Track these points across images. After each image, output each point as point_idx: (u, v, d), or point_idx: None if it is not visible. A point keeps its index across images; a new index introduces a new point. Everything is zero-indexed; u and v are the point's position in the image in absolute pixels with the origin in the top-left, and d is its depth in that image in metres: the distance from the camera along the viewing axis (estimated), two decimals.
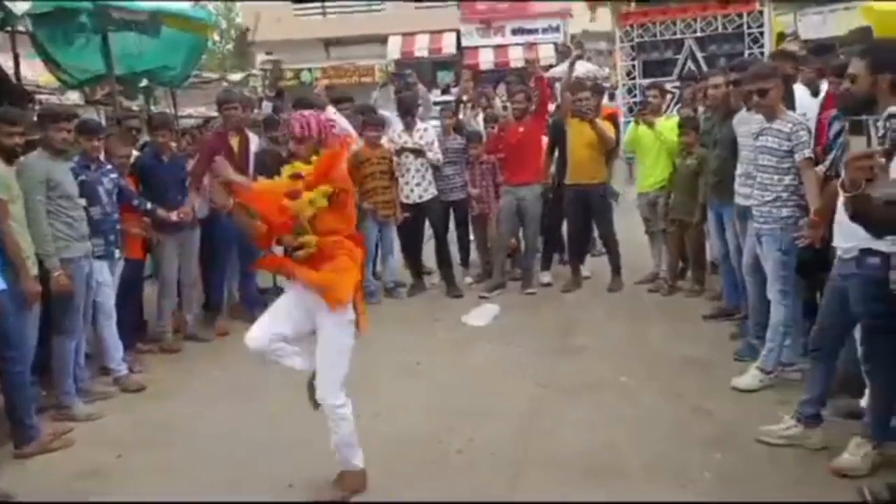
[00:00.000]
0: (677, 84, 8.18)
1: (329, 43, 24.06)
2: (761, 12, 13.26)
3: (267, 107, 7.83)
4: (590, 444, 3.97)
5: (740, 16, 12.74)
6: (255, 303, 6.79)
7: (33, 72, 10.04)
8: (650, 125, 6.64)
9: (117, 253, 5.23)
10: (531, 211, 6.95)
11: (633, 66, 13.17)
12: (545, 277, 7.28)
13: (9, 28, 7.65)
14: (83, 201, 4.86)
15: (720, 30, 12.75)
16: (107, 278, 5.15)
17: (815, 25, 18.27)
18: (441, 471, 3.79)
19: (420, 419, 4.43)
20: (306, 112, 3.62)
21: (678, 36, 12.84)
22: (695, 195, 6.22)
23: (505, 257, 7.19)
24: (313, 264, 3.40)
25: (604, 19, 40.62)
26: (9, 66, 8.52)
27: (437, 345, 5.78)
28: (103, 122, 9.26)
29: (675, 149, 6.49)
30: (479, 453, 3.94)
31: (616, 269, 7.04)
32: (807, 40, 12.91)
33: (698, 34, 12.46)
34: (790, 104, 4.54)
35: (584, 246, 7.34)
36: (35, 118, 4.98)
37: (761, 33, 12.93)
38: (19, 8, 5.93)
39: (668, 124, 6.64)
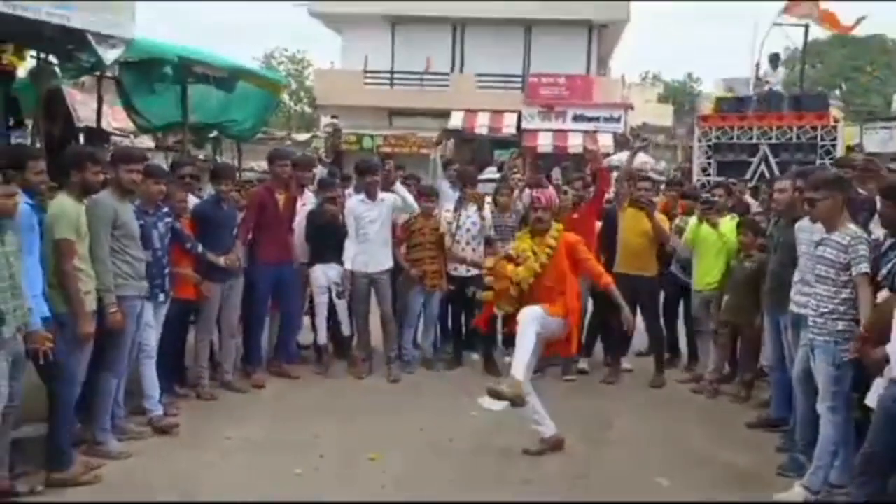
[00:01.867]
0: (751, 185, 8.20)
1: (393, 112, 24.72)
2: (835, 126, 13.69)
3: (322, 171, 8.02)
4: None
5: (815, 128, 13.25)
6: (293, 358, 6.84)
7: (113, 115, 10.52)
8: (714, 225, 6.58)
9: (161, 296, 5.32)
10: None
11: (709, 163, 13.63)
12: (583, 364, 7.17)
13: (97, 73, 8.08)
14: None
15: (794, 139, 13.27)
16: (150, 319, 5.24)
17: (881, 140, 18.32)
18: None
19: (447, 498, 4.33)
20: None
21: (754, 141, 13.41)
22: (750, 297, 6.10)
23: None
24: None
25: (664, 114, 41.22)
26: (92, 108, 8.97)
27: (470, 424, 5.68)
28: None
29: (733, 249, 6.42)
30: None
31: (660, 365, 6.90)
32: (871, 154, 13.02)
33: (773, 141, 13.26)
34: (862, 216, 4.44)
35: (627, 338, 7.21)
36: (109, 158, 5.19)
37: (833, 146, 13.24)
38: (110, 56, 6.26)
39: (729, 224, 6.59)
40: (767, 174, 9.21)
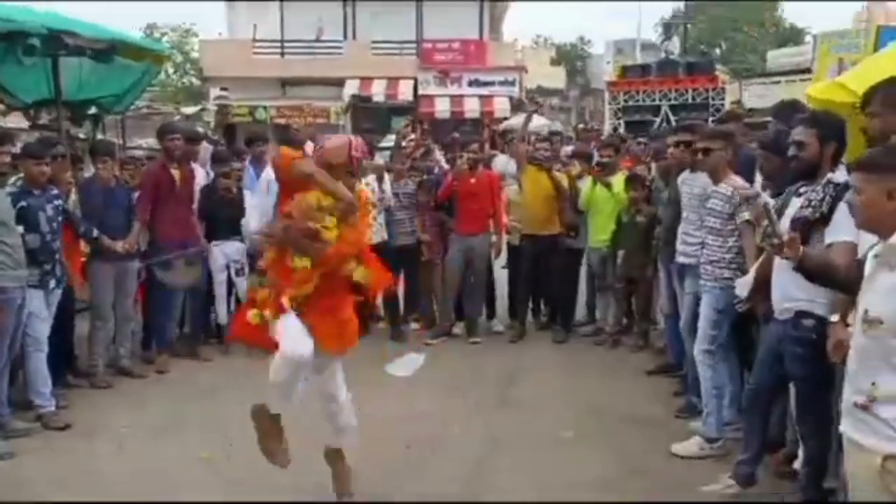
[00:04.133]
0: (644, 141, 8.62)
1: (286, 82, 24.08)
2: (723, 88, 16.21)
3: (207, 149, 7.72)
4: (531, 500, 3.90)
5: (706, 89, 15.59)
6: (199, 339, 6.62)
7: None
8: (607, 185, 6.72)
9: (53, 283, 5.02)
10: (479, 260, 6.97)
11: (619, 124, 15.63)
12: (497, 326, 7.30)
13: None
14: (20, 228, 4.68)
15: (690, 100, 15.60)
16: (40, 309, 4.92)
17: (759, 96, 19.83)
18: None
19: (361, 467, 4.31)
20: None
21: (657, 102, 15.47)
22: (642, 251, 6.31)
23: (451, 305, 7.14)
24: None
25: (557, 77, 41.94)
26: None
27: (379, 392, 5.66)
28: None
29: (624, 206, 6.60)
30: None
31: (564, 321, 7.08)
32: (750, 109, 14.14)
33: (672, 102, 15.23)
34: (744, 169, 4.63)
35: (530, 297, 7.36)
36: None
37: (722, 104, 15.51)
38: None
39: (618, 180, 6.77)
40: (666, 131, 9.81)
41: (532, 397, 5.57)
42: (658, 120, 14.94)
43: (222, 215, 6.52)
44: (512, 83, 24.08)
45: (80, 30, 7.33)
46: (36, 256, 4.80)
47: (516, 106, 22.19)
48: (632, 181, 6.50)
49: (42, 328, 4.95)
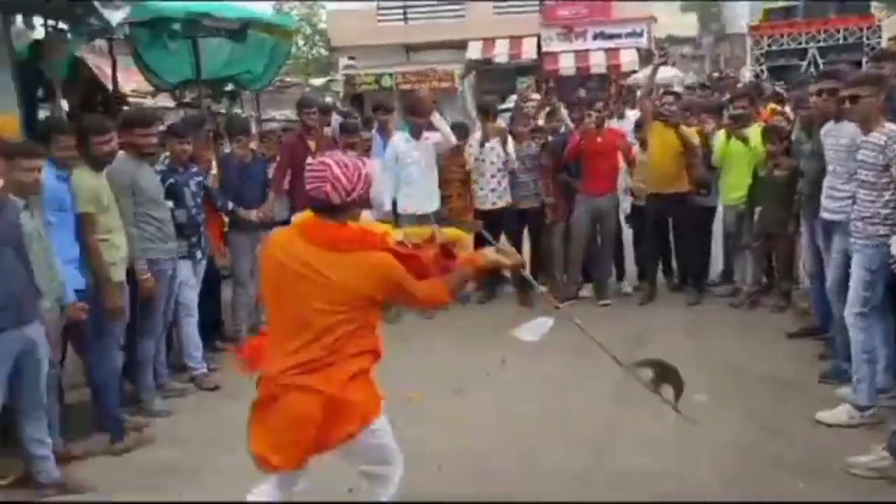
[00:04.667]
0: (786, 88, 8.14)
1: (410, 48, 24.29)
2: (879, 26, 14.64)
3: (336, 119, 7.93)
4: (662, 464, 3.84)
5: (860, 28, 14.29)
6: None
7: (128, 77, 10.47)
8: (744, 140, 6.38)
9: (199, 254, 5.38)
10: (607, 221, 6.82)
11: (761, 70, 14.83)
12: (626, 288, 7.18)
13: (108, 36, 8.01)
14: (170, 204, 5.02)
15: (841, 41, 14.43)
16: (189, 278, 5.30)
17: None
18: (503, 484, 3.73)
19: (489, 426, 4.39)
20: (345, 163, 2.63)
21: (803, 46, 14.47)
22: (782, 207, 5.96)
23: (579, 267, 7.05)
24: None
25: (688, 25, 39.86)
26: (107, 73, 8.93)
27: (508, 355, 5.71)
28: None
29: (761, 159, 6.24)
30: (546, 468, 3.87)
31: (696, 282, 6.84)
32: None
33: (821, 44, 14.61)
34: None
35: (662, 257, 7.14)
36: (121, 123, 5.17)
37: (879, 44, 14.00)
38: (115, 17, 6.18)
39: (755, 133, 6.40)
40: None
41: (665, 358, 5.42)
42: (805, 64, 14.08)
43: None
44: (640, 34, 23.17)
45: (215, 12, 7.71)
46: (183, 230, 5.15)
47: (645, 58, 21.35)
48: (769, 133, 6.13)
49: (191, 296, 5.33)
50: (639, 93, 8.30)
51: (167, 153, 5.38)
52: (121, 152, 4.78)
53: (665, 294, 7.01)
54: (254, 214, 5.97)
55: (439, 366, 5.49)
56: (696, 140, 6.61)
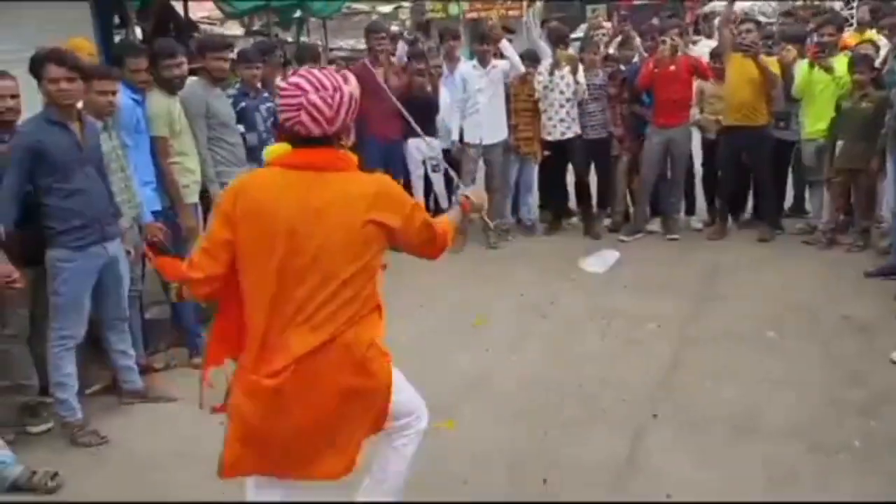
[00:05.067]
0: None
1: None
2: None
3: (402, 47, 7.82)
4: (731, 401, 3.80)
5: None
6: None
7: (199, 4, 10.56)
8: (828, 69, 6.05)
9: None
10: (680, 153, 6.63)
11: None
12: (695, 223, 7.03)
13: None
14: (241, 128, 5.09)
15: None
16: None
17: None
18: (568, 417, 3.76)
19: (550, 361, 4.42)
20: (322, 83, 2.13)
21: None
22: (866, 141, 5.69)
23: (647, 200, 6.91)
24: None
25: None
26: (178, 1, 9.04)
27: (571, 287, 5.70)
28: None
29: (846, 90, 5.93)
30: (611, 400, 3.88)
31: (770, 217, 6.63)
32: None
33: None
34: None
35: (739, 192, 6.92)
36: (195, 48, 5.22)
37: None
38: None
39: (840, 62, 6.06)
40: None
41: (733, 295, 5.34)
42: None
43: (418, 113, 6.61)
44: None
45: None
46: (254, 153, 5.22)
47: None
48: (857, 62, 5.80)
49: None
50: (716, 22, 7.90)
51: (238, 79, 5.42)
52: (194, 77, 4.86)
53: (735, 230, 6.83)
54: None
55: (506, 296, 5.52)
56: (776, 70, 6.31)
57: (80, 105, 3.72)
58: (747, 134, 6.35)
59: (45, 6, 6.08)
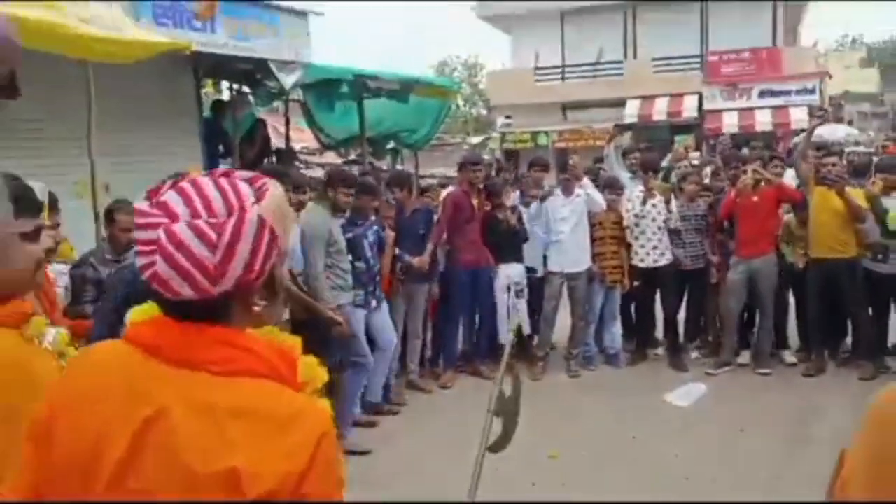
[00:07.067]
0: None
1: (566, 106, 24.45)
2: None
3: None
4: None
5: None
6: (483, 357, 6.87)
7: (299, 135, 11.31)
8: None
9: (374, 302, 5.58)
10: (765, 284, 6.44)
11: None
12: (788, 357, 6.73)
13: (284, 98, 8.77)
14: (349, 256, 5.27)
15: None
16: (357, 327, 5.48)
17: None
18: None
19: (634, 498, 4.21)
20: (201, 208, 1.14)
21: None
22: None
23: (735, 331, 6.69)
24: None
25: (868, 80, 37.57)
26: (280, 131, 9.73)
27: (656, 421, 5.49)
28: None
29: None
30: None
31: (868, 353, 6.28)
32: None
33: None
34: None
35: (830, 326, 6.62)
36: (326, 178, 5.48)
37: None
38: (289, 81, 6.75)
39: None
40: None
41: (830, 439, 5.00)
42: None
43: (503, 240, 6.72)
44: (811, 91, 22.01)
45: (379, 74, 8.22)
46: (361, 279, 5.37)
47: (818, 115, 20.28)
48: None
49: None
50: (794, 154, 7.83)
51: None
52: (313, 204, 5.12)
53: (833, 367, 6.48)
54: (416, 261, 6.12)
55: (585, 427, 5.36)
56: (862, 203, 6.13)
57: None
58: (835, 266, 6.14)
59: (160, 137, 6.67)
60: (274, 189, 1.21)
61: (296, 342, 1.26)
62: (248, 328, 1.20)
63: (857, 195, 6.15)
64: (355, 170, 9.43)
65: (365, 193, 5.45)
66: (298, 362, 1.22)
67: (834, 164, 6.26)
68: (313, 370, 1.24)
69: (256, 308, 1.21)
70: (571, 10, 23.90)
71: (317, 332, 4.75)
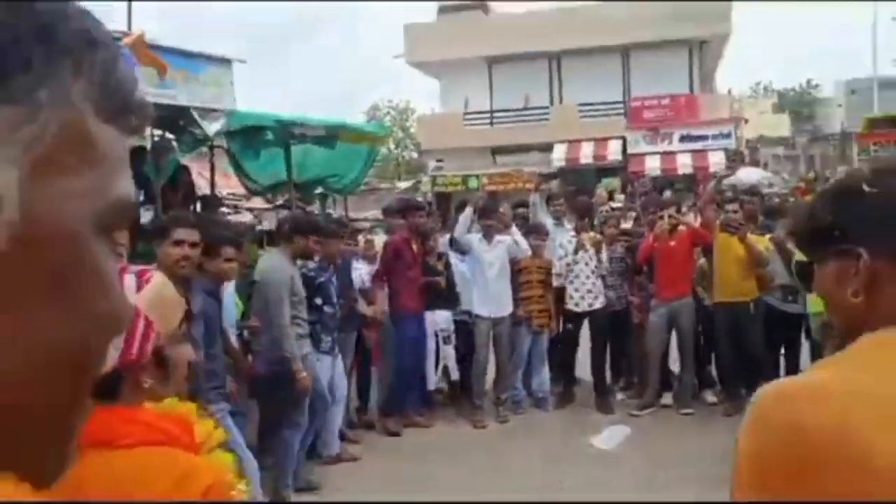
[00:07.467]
0: None
1: (496, 151, 24.89)
2: None
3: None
4: None
5: None
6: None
7: (225, 181, 11.15)
8: None
9: (336, 349, 5.50)
10: (684, 326, 6.62)
11: None
12: (710, 397, 6.88)
13: (209, 144, 8.65)
14: (318, 301, 5.20)
15: None
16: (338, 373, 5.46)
17: None
18: None
19: None
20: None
21: None
22: None
23: (658, 374, 6.83)
24: None
25: (780, 125, 39.52)
26: (205, 177, 9.58)
27: (584, 463, 5.54)
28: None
29: None
30: None
31: None
32: None
33: None
34: None
35: (739, 367, 6.82)
36: (287, 227, 5.32)
37: None
38: (213, 128, 6.68)
39: None
40: None
41: None
42: None
43: (429, 286, 6.71)
44: (727, 136, 23.02)
45: (306, 121, 8.22)
46: (329, 324, 5.31)
47: (733, 159, 21.17)
48: None
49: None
50: (698, 203, 8.10)
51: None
52: (271, 254, 5.03)
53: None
54: (370, 310, 6.09)
55: (512, 474, 5.35)
56: (762, 248, 6.32)
57: None
58: (738, 308, 6.36)
59: None
60: (156, 279, 1.35)
61: (191, 409, 1.43)
62: (142, 402, 1.34)
63: (759, 241, 6.40)
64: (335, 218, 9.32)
65: (333, 237, 5.44)
66: (195, 426, 1.37)
67: (735, 212, 6.48)
68: (209, 431, 1.44)
69: (146, 384, 1.33)
70: (499, 57, 24.50)
71: (281, 388, 4.67)
